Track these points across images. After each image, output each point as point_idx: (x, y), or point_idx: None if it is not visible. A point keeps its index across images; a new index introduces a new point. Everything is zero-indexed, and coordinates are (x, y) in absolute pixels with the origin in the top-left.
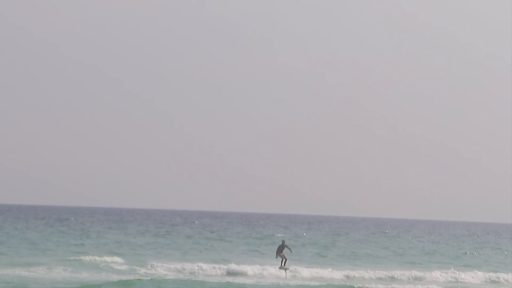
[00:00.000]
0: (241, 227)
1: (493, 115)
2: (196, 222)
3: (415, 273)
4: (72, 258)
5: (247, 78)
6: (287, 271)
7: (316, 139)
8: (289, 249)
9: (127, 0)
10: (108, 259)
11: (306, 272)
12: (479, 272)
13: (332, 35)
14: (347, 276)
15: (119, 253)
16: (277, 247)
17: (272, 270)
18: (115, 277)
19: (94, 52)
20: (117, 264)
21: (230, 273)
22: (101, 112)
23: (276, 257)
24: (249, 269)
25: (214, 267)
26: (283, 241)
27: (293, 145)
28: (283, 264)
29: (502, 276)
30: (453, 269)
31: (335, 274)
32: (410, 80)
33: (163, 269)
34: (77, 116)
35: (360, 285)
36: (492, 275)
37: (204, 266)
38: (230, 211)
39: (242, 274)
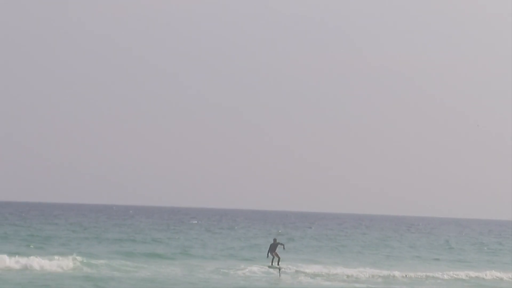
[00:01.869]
0: (356, 228)
1: None
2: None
3: None
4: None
5: (329, 77)
6: (280, 270)
7: (399, 138)
8: (282, 245)
9: None
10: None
11: None
12: None
13: (414, 33)
14: None
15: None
16: (269, 247)
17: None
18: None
19: (166, 54)
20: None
21: None
22: (169, 113)
23: (267, 256)
24: None
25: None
26: (274, 239)
27: (378, 145)
28: (277, 263)
29: None
30: None
31: None
32: (491, 79)
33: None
34: (142, 116)
35: None
36: None
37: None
38: (308, 211)
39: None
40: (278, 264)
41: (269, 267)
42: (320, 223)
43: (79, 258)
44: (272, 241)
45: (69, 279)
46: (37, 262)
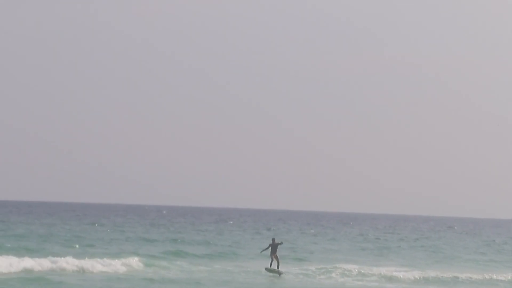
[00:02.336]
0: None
1: None
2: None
3: None
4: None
5: (357, 75)
6: (281, 275)
7: (429, 136)
8: (281, 243)
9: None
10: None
11: None
12: None
13: (444, 33)
14: None
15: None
16: (268, 246)
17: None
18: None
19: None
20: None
21: None
22: (204, 114)
23: (261, 252)
24: None
25: None
26: (273, 239)
27: (409, 144)
28: (277, 267)
29: None
30: None
31: None
32: None
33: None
34: (173, 118)
35: None
36: None
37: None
38: (340, 212)
39: None
40: (278, 267)
41: (267, 269)
42: (355, 223)
43: (136, 259)
44: (271, 241)
45: (134, 280)
46: (100, 264)
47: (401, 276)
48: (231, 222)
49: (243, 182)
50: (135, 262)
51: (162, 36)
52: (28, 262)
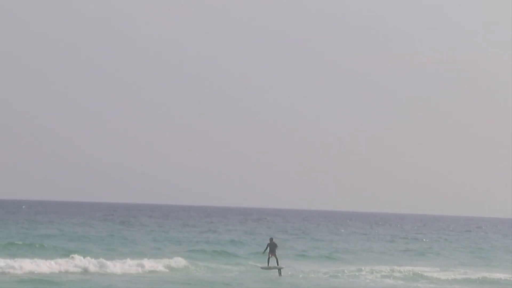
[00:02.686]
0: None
1: None
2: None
3: None
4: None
5: (390, 75)
6: (281, 270)
7: (461, 136)
8: (276, 246)
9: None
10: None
11: None
12: None
13: (476, 31)
14: None
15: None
16: (266, 246)
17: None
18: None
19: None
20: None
21: None
22: (236, 114)
23: (263, 252)
24: None
25: None
26: (271, 239)
27: (439, 143)
28: (276, 263)
29: None
30: None
31: None
32: None
33: None
34: (208, 118)
35: None
36: None
37: None
38: (371, 212)
39: None
40: (277, 264)
41: (264, 268)
42: (384, 223)
43: (172, 259)
44: (269, 241)
45: (172, 281)
46: (135, 264)
47: (430, 275)
48: (260, 222)
49: (269, 181)
50: (171, 262)
51: (198, 38)
52: (66, 263)
